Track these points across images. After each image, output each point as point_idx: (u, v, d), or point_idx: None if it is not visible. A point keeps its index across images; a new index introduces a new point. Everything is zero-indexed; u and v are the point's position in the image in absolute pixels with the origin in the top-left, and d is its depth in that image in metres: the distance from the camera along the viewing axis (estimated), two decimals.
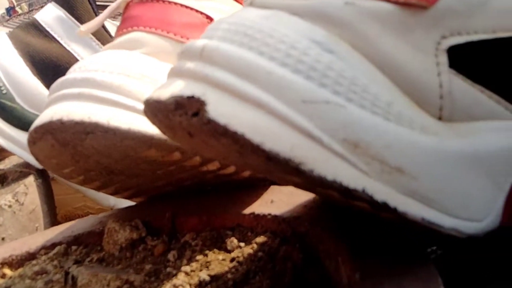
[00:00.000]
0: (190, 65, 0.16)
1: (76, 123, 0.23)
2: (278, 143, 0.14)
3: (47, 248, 0.31)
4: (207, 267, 0.24)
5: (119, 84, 0.24)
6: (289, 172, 0.14)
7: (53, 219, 0.49)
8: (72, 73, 0.26)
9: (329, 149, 0.14)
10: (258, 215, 0.25)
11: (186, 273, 0.24)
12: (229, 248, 0.25)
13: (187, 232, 0.28)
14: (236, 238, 0.25)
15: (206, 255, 0.25)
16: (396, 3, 0.16)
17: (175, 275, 0.24)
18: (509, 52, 0.17)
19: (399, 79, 0.16)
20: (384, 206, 0.14)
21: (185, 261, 0.25)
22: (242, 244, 0.25)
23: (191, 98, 0.14)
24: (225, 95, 0.14)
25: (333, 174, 0.14)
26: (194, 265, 0.24)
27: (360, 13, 0.16)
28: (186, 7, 0.27)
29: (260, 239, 0.24)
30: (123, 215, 0.31)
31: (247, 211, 0.26)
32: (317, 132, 0.14)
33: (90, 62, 0.25)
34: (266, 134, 0.14)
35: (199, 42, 0.16)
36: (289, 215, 0.24)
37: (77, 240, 0.31)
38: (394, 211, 0.14)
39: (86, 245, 0.31)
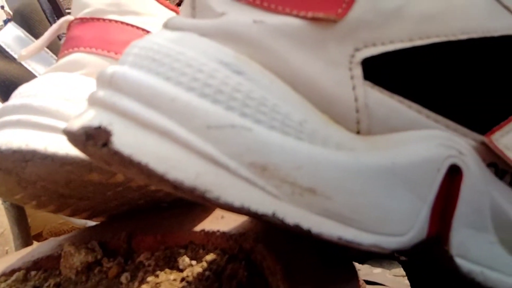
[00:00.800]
0: (101, 93, 0.15)
1: (14, 151, 0.23)
2: (182, 172, 0.13)
3: (7, 274, 0.30)
4: None
5: (56, 109, 0.23)
6: (200, 199, 0.14)
7: (26, 240, 0.48)
8: (13, 99, 0.25)
9: (235, 174, 0.14)
10: (208, 232, 0.25)
11: None
12: (181, 267, 0.25)
13: (143, 251, 0.28)
14: (188, 256, 0.25)
15: (157, 275, 0.25)
16: (305, 18, 0.15)
17: None
18: (427, 59, 0.17)
19: (313, 96, 0.15)
20: (298, 228, 0.14)
21: (136, 283, 0.25)
22: (193, 262, 0.25)
23: (98, 129, 0.14)
24: (131, 124, 0.14)
25: (241, 200, 0.13)
26: (144, 286, 0.24)
27: (269, 30, 0.15)
28: (127, 24, 0.27)
29: (210, 256, 0.24)
30: (80, 237, 0.30)
31: (199, 228, 0.26)
32: (223, 158, 0.14)
33: (29, 87, 0.25)
34: (170, 163, 0.13)
35: (110, 69, 0.15)
36: (236, 231, 0.23)
37: (36, 265, 0.30)
38: (308, 232, 0.14)
39: (45, 269, 0.30)
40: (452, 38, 0.17)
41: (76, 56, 0.26)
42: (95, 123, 0.14)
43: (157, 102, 0.14)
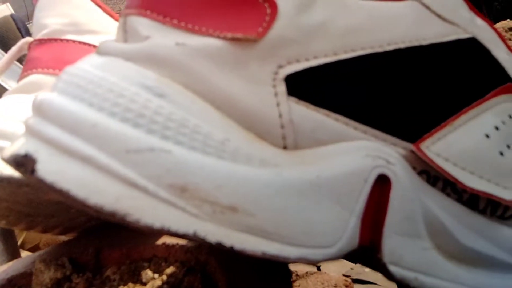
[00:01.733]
0: (30, 120, 0.16)
1: None
2: (102, 197, 0.14)
3: None
4: None
5: (13, 131, 0.24)
6: (122, 222, 0.14)
7: (14, 255, 0.49)
8: None
9: (155, 196, 0.14)
10: (169, 245, 0.25)
11: None
12: (144, 280, 0.25)
13: (110, 266, 0.28)
14: (151, 270, 0.26)
15: None
16: (225, 39, 0.16)
17: None
18: (352, 72, 0.17)
19: (237, 115, 0.16)
20: (220, 246, 0.14)
21: None
22: (156, 275, 0.25)
23: (25, 157, 0.15)
24: (55, 151, 0.15)
25: (161, 221, 0.14)
26: None
27: (191, 52, 0.16)
28: (84, 43, 0.27)
29: (170, 269, 0.24)
30: (52, 253, 0.31)
31: (161, 241, 0.26)
32: (142, 181, 0.14)
33: None
34: (90, 188, 0.14)
35: (40, 96, 0.16)
36: (193, 244, 0.24)
37: (10, 282, 0.31)
38: (231, 249, 0.14)
39: (19, 286, 0.31)
40: (378, 49, 0.17)
41: (34, 78, 0.26)
42: (22, 151, 0.15)
43: (79, 129, 0.14)
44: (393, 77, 0.17)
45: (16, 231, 0.54)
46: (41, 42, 0.28)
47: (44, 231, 0.31)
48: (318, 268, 0.60)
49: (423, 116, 0.18)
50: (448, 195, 0.18)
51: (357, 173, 0.16)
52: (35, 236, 0.77)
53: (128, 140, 0.14)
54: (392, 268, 0.17)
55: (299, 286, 0.55)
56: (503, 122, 0.19)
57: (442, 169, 0.17)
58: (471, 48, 0.19)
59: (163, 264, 0.25)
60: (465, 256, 0.18)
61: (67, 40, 0.27)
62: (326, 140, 0.17)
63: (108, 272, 0.27)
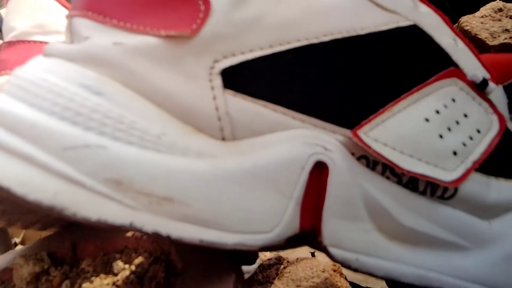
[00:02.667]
0: None
1: None
2: (41, 193, 0.15)
3: None
4: None
5: None
6: (62, 217, 0.15)
7: (6, 249, 0.50)
8: None
9: (92, 191, 0.15)
10: (137, 236, 0.26)
11: None
12: (115, 271, 0.26)
13: (86, 258, 0.29)
14: (123, 261, 0.26)
15: (92, 281, 0.26)
16: (160, 36, 0.16)
17: None
18: (289, 64, 0.17)
19: (175, 110, 0.16)
20: (157, 235, 0.15)
21: None
22: (126, 266, 0.26)
23: None
24: None
25: (98, 214, 0.15)
26: None
27: (128, 51, 0.16)
28: None
29: (139, 259, 0.25)
30: (31, 249, 0.32)
31: (131, 232, 0.27)
32: (79, 176, 0.15)
33: None
34: (30, 185, 0.15)
35: None
36: None
37: None
38: (168, 238, 0.15)
39: (2, 282, 0.32)
40: (314, 41, 0.18)
41: (3, 79, 0.27)
42: None
43: (19, 128, 0.15)
44: (330, 67, 0.18)
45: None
46: (10, 44, 0.28)
47: (25, 227, 0.32)
48: (313, 254, 0.60)
49: (361, 104, 0.18)
50: (387, 178, 0.19)
51: (294, 161, 0.17)
52: (35, 233, 0.78)
53: (65, 137, 0.15)
54: (333, 250, 0.17)
55: (289, 272, 0.56)
56: (445, 106, 0.20)
57: (379, 154, 0.18)
58: (412, 35, 0.20)
59: (133, 255, 0.26)
60: (407, 236, 0.19)
61: (34, 42, 0.28)
62: (264, 130, 0.17)
63: (83, 264, 0.28)
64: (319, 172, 0.17)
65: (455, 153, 0.19)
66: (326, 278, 0.50)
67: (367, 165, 0.18)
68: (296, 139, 0.17)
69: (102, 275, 0.26)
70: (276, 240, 0.17)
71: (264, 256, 0.60)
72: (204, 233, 0.16)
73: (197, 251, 0.20)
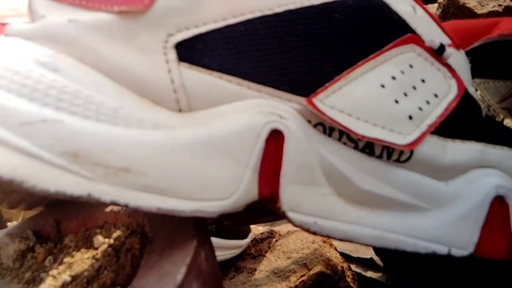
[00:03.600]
0: None
1: None
2: (1, 167, 0.15)
3: None
4: (71, 267, 0.26)
5: None
6: (23, 190, 0.16)
7: None
8: None
9: (50, 164, 0.15)
10: (115, 211, 0.27)
11: (53, 277, 0.26)
12: (95, 245, 0.27)
13: (69, 235, 0.30)
14: (103, 235, 0.27)
15: (73, 256, 0.27)
16: (113, 12, 0.17)
17: (45, 279, 0.26)
18: (243, 35, 0.18)
19: (131, 83, 0.17)
20: (116, 204, 0.16)
21: (56, 265, 0.27)
22: (106, 240, 0.27)
23: None
24: None
25: (56, 186, 0.15)
26: (60, 267, 0.26)
27: (83, 28, 0.17)
28: None
29: (116, 233, 0.26)
30: (18, 228, 0.33)
31: (109, 208, 0.28)
32: (37, 150, 0.15)
33: None
34: None
35: None
36: None
37: None
38: (126, 207, 0.16)
39: None
40: (268, 12, 0.18)
41: None
42: None
43: None
44: (284, 38, 0.18)
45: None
46: None
47: (11, 207, 0.33)
48: None
49: (317, 72, 0.19)
50: (344, 144, 0.19)
51: (249, 129, 0.17)
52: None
53: (22, 113, 0.16)
54: (291, 215, 0.18)
55: (280, 245, 0.57)
56: (402, 72, 0.20)
57: (334, 120, 0.18)
58: (367, 3, 0.20)
59: (112, 229, 0.27)
60: (365, 199, 0.19)
61: (8, 24, 0.28)
62: (220, 101, 0.18)
63: (67, 240, 0.29)
64: (276, 140, 0.18)
65: (410, 117, 0.20)
66: (315, 249, 0.51)
67: (324, 132, 0.19)
68: (251, 109, 0.18)
69: (83, 250, 0.27)
70: (234, 206, 0.17)
71: (257, 230, 0.61)
72: (161, 201, 0.16)
73: (165, 221, 0.20)
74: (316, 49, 0.19)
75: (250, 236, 0.57)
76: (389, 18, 0.21)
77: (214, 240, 0.52)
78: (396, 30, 0.21)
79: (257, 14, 0.18)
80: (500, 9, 0.75)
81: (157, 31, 0.17)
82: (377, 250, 0.43)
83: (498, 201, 0.21)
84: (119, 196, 0.16)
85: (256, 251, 0.57)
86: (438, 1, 0.85)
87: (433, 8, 0.87)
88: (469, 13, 0.76)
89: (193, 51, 0.17)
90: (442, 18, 0.81)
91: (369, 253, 0.53)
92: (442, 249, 0.19)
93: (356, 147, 0.19)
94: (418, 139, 0.19)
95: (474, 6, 0.76)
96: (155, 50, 0.17)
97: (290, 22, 0.18)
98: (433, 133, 0.20)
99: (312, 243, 0.54)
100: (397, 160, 0.20)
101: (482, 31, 0.25)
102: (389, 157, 0.20)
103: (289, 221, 0.18)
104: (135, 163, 0.16)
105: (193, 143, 0.17)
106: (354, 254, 0.55)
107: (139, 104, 0.17)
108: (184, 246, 0.17)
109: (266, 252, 0.56)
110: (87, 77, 0.17)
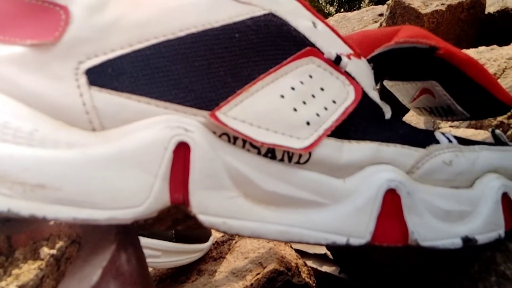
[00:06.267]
0: None
1: None
2: None
3: None
4: (18, 278, 0.28)
5: None
6: None
7: None
8: None
9: None
10: (58, 224, 0.29)
11: None
12: (42, 257, 0.29)
13: (19, 248, 0.32)
14: (48, 247, 0.29)
15: (21, 267, 0.29)
16: (27, 45, 0.19)
17: None
18: (148, 59, 0.20)
19: (46, 108, 0.19)
20: (34, 218, 0.18)
21: (5, 277, 0.29)
22: (51, 251, 0.29)
23: None
24: None
25: None
26: (9, 279, 0.28)
27: (1, 60, 0.19)
28: None
29: (59, 244, 0.28)
30: None
31: (53, 221, 0.29)
32: None
33: None
34: None
35: None
36: None
37: None
38: (44, 219, 0.18)
39: None
40: (171, 36, 0.21)
41: None
42: None
43: None
44: (187, 58, 0.21)
45: None
46: None
47: None
48: None
49: (220, 88, 0.21)
50: (248, 150, 0.21)
51: (156, 143, 0.20)
52: None
53: None
54: (201, 217, 0.20)
55: (239, 246, 0.59)
56: (302, 82, 0.23)
57: (235, 130, 0.21)
58: (266, 22, 0.23)
59: (56, 240, 0.29)
60: (270, 199, 0.22)
61: None
62: (131, 119, 0.20)
63: (17, 253, 0.31)
64: (184, 151, 0.20)
65: (308, 123, 0.22)
66: (270, 248, 0.53)
67: (229, 141, 0.21)
68: (159, 124, 0.20)
69: (30, 261, 0.29)
70: (147, 212, 0.19)
71: (219, 233, 0.63)
72: (76, 212, 0.18)
73: (94, 230, 0.22)
74: (219, 66, 0.21)
75: (212, 240, 0.59)
76: (288, 34, 0.23)
77: (174, 246, 0.54)
78: (296, 45, 0.23)
79: (161, 39, 0.20)
80: (443, 8, 0.78)
81: (68, 59, 0.19)
82: (327, 246, 0.45)
83: (391, 193, 0.23)
84: (36, 210, 0.18)
85: (217, 254, 0.59)
86: (387, 2, 0.88)
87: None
88: (414, 13, 0.80)
89: (103, 75, 0.19)
90: (391, 18, 0.85)
91: (324, 249, 0.55)
92: (341, 239, 0.22)
93: (259, 153, 0.22)
94: (314, 143, 0.22)
95: (418, 6, 0.80)
96: (67, 77, 0.19)
97: (192, 44, 0.21)
98: (330, 136, 0.23)
99: (268, 242, 0.57)
100: (298, 162, 0.22)
101: (384, 40, 0.28)
102: (290, 160, 0.22)
103: (200, 222, 0.20)
104: (50, 180, 0.18)
105: (105, 158, 0.19)
106: (311, 251, 0.57)
107: (54, 126, 0.19)
108: (104, 251, 0.19)
109: (227, 254, 0.58)
110: (4, 105, 0.19)
